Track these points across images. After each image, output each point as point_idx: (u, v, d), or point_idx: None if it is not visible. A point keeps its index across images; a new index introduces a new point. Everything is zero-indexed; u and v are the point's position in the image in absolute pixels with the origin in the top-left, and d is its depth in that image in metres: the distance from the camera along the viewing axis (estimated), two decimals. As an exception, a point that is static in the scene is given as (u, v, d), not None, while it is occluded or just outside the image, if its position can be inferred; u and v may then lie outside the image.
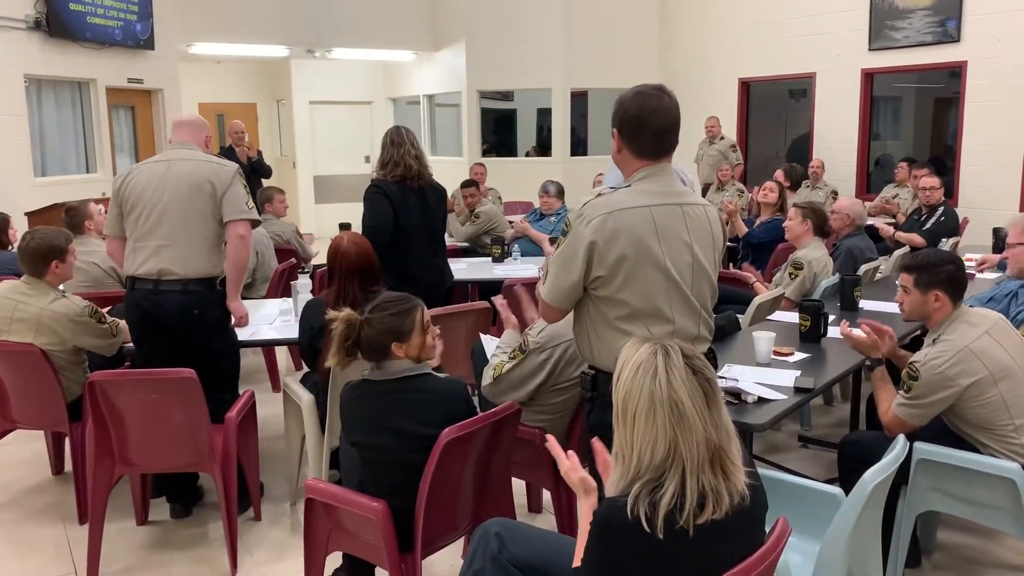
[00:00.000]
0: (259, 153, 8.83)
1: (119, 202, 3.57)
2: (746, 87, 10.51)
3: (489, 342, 3.53)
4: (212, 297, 3.55)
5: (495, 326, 5.02)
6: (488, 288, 5.53)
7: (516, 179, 9.84)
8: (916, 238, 6.13)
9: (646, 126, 2.32)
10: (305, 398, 3.59)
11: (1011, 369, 2.84)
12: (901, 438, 2.48)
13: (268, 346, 5.25)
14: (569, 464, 1.92)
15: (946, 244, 5.88)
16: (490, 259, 6.04)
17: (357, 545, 2.73)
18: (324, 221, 12.25)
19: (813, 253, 4.74)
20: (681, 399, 1.63)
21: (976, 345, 2.83)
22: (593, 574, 1.69)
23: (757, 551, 1.73)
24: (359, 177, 13.46)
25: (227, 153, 8.35)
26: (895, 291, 4.71)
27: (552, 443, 1.98)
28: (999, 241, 6.05)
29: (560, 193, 6.67)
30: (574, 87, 10.95)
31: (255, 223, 3.65)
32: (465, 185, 7.24)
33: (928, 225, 6.23)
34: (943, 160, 9.05)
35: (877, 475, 2.26)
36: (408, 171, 4.23)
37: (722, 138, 9.65)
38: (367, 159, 13.50)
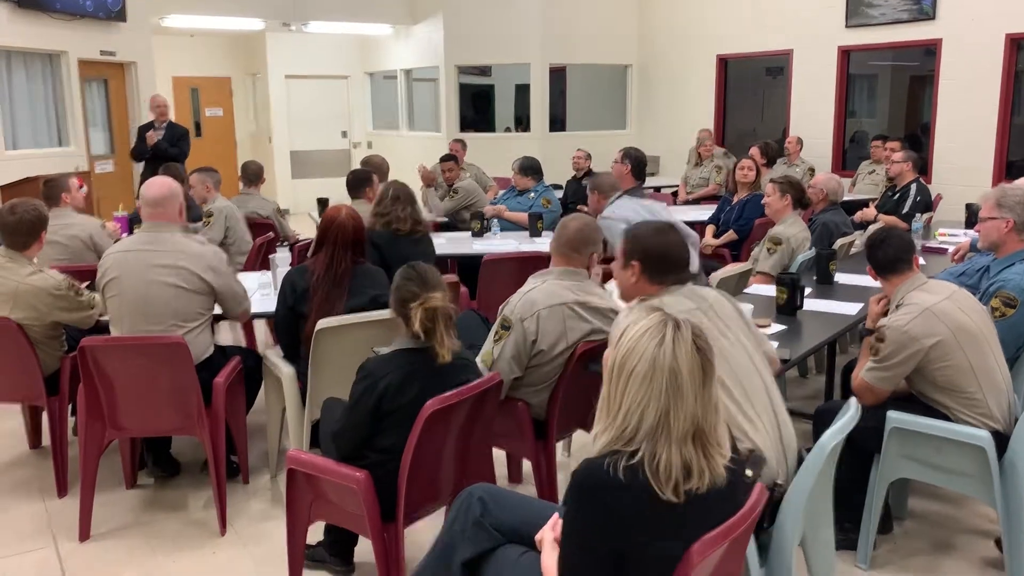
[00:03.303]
0: (178, 132, 8.09)
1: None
2: (724, 64, 10.52)
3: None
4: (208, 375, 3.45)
5: (474, 299, 5.05)
6: (467, 263, 5.54)
7: (494, 155, 9.79)
8: (898, 222, 6.20)
9: None
10: (286, 370, 3.59)
11: (975, 334, 2.91)
12: (853, 402, 2.50)
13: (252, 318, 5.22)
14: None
15: (920, 219, 5.96)
16: (470, 234, 6.04)
17: (339, 515, 2.76)
18: (301, 196, 12.16)
19: (791, 229, 4.80)
20: (681, 370, 1.66)
21: (937, 307, 2.91)
22: (572, 547, 1.72)
23: (731, 518, 1.76)
24: (336, 152, 13.38)
25: (143, 131, 7.96)
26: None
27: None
28: (972, 216, 6.13)
29: (526, 170, 6.48)
30: (553, 62, 10.91)
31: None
32: (444, 159, 7.21)
33: (906, 208, 6.30)
34: (918, 137, 9.14)
35: (834, 436, 2.30)
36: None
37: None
38: (344, 134, 13.41)
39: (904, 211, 6.30)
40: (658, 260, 2.59)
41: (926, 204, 6.38)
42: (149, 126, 7.99)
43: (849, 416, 2.34)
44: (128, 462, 3.76)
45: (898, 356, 2.88)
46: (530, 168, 6.45)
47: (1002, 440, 2.85)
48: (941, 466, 2.91)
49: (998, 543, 3.10)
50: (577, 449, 4.06)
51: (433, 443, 2.59)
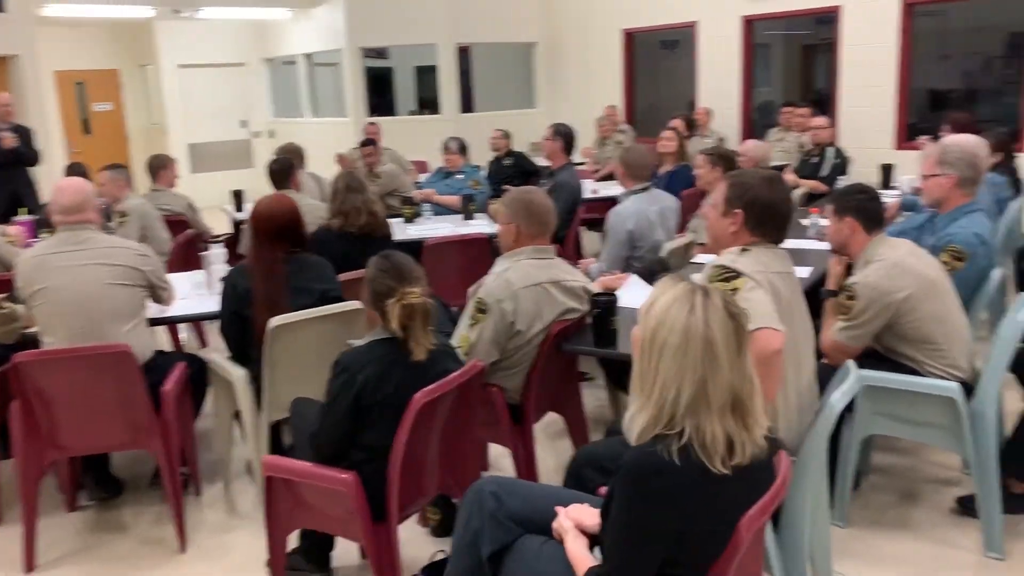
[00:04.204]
0: (23, 133, 7.23)
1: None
2: (630, 38, 10.59)
3: None
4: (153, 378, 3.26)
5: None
6: (404, 249, 5.37)
7: (405, 139, 9.59)
8: (819, 185, 6.38)
9: None
10: (237, 373, 3.40)
11: (938, 285, 2.99)
12: (851, 364, 2.54)
13: (190, 321, 4.97)
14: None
15: (839, 182, 6.12)
16: (402, 220, 5.88)
17: (321, 520, 2.63)
18: (203, 191, 11.63)
19: (727, 197, 4.83)
20: (715, 338, 1.61)
21: (903, 261, 2.96)
22: (625, 535, 1.66)
23: (769, 490, 1.74)
24: (236, 143, 12.89)
25: None
26: (801, 230, 4.93)
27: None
28: (887, 177, 6.35)
29: (463, 149, 6.51)
30: (458, 42, 10.76)
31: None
32: (364, 144, 7.01)
33: (826, 171, 6.48)
34: (822, 103, 9.41)
35: (843, 398, 2.33)
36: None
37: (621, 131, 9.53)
38: (243, 124, 12.93)
39: (823, 174, 6.47)
40: (764, 211, 2.46)
41: (843, 167, 6.58)
42: None
43: (853, 378, 2.35)
44: (68, 485, 3.51)
45: (870, 311, 2.92)
46: (464, 148, 6.42)
47: (967, 390, 2.93)
48: (913, 420, 2.98)
49: (960, 502, 3.20)
50: (539, 430, 4.00)
51: (421, 437, 2.48)
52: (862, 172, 7.51)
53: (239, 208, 6.66)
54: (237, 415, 3.51)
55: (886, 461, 3.63)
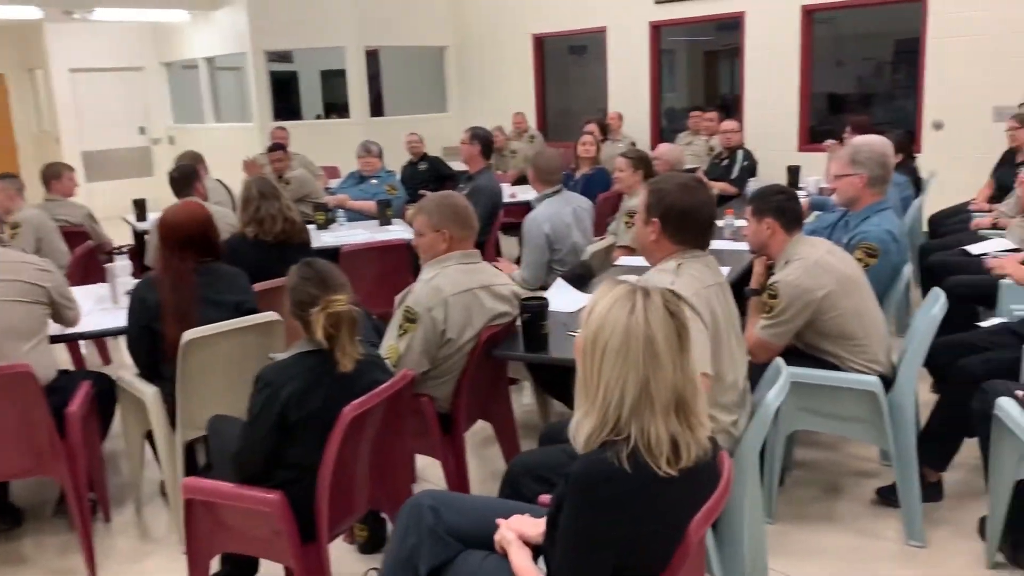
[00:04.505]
0: None
1: None
2: (540, 43, 10.63)
3: None
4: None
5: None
6: (320, 257, 5.23)
7: (313, 143, 9.37)
8: (729, 187, 6.50)
9: None
10: (148, 391, 3.21)
11: (856, 282, 3.07)
12: (780, 362, 2.57)
13: (94, 338, 4.73)
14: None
15: (750, 183, 6.26)
16: (315, 226, 5.71)
17: (245, 542, 2.50)
18: (99, 201, 11.12)
19: (645, 200, 4.88)
20: (656, 337, 1.58)
21: (822, 260, 3.03)
22: (576, 544, 1.62)
23: (715, 493, 1.73)
24: (135, 150, 12.40)
25: None
26: (717, 231, 5.01)
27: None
28: (793, 179, 6.53)
29: (381, 153, 6.40)
30: (367, 45, 10.60)
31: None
32: (272, 149, 6.81)
33: (735, 173, 6.62)
34: (726, 108, 9.64)
35: (778, 396, 2.35)
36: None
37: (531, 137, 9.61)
38: (142, 130, 12.45)
39: (733, 177, 6.61)
40: (680, 218, 2.42)
41: (752, 169, 6.74)
42: None
43: (785, 376, 2.37)
44: (-38, 516, 3.27)
45: (792, 309, 2.97)
46: (381, 152, 6.30)
47: (886, 384, 3.01)
48: (835, 414, 3.04)
49: (880, 492, 3.28)
50: (465, 439, 3.94)
51: (350, 452, 2.39)
52: (769, 174, 7.71)
53: (142, 218, 6.37)
54: (148, 435, 3.34)
55: (808, 456, 3.70)
